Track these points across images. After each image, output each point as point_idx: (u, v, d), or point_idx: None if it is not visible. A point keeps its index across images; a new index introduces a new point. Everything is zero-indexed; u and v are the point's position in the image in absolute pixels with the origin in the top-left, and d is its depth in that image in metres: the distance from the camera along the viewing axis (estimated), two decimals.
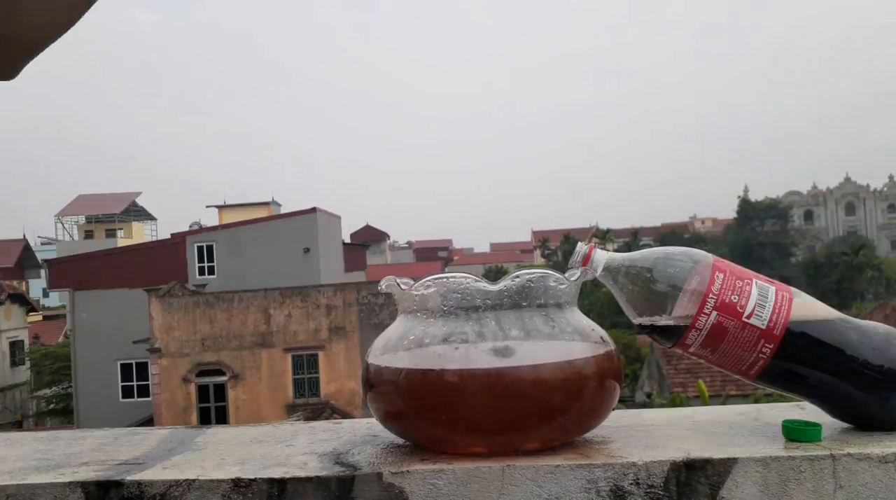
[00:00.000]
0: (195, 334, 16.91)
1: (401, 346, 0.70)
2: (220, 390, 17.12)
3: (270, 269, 20.79)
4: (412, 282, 0.71)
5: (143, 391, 20.27)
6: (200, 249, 22.13)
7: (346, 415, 14.80)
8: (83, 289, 21.39)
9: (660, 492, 0.63)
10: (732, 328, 0.68)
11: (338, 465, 0.67)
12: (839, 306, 1.09)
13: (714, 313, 0.68)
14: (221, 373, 17.07)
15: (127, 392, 21.13)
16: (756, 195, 64.83)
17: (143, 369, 19.92)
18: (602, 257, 0.73)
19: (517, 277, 0.69)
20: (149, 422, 17.41)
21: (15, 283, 33.75)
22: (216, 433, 0.82)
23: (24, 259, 35.79)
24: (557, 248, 56.29)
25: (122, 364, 20.99)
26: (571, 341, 0.69)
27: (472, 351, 0.67)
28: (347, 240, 31.71)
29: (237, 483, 0.64)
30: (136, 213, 42.69)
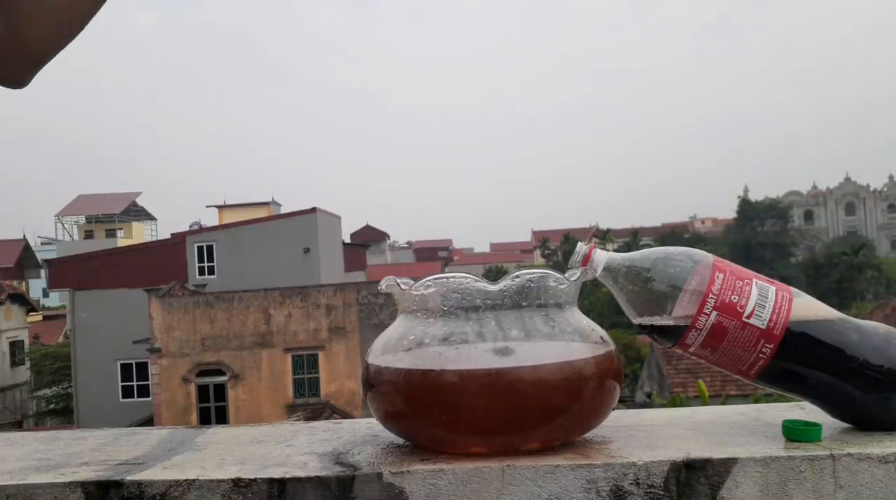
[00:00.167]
0: (195, 334, 16.92)
1: (401, 346, 0.70)
2: (220, 390, 17.12)
3: (270, 269, 20.80)
4: (412, 282, 0.71)
5: (143, 391, 20.28)
6: (200, 249, 22.13)
7: (346, 415, 14.80)
8: (83, 289, 21.39)
9: (660, 492, 0.63)
10: (732, 328, 0.68)
11: (338, 465, 0.67)
12: (839, 306, 1.09)
13: (714, 313, 0.68)
14: (221, 373, 17.07)
15: (127, 392, 21.14)
16: (756, 195, 65.00)
17: (143, 369, 19.93)
18: (602, 257, 0.73)
19: (517, 277, 0.69)
20: (149, 422, 17.41)
21: (15, 283, 33.77)
22: (216, 433, 0.82)
23: (24, 259, 35.81)
24: (557, 248, 56.31)
25: (122, 364, 21.00)
26: (571, 341, 0.69)
27: (472, 351, 0.67)
28: (347, 240, 31.71)
29: (237, 483, 0.64)
30: (136, 213, 42.71)
